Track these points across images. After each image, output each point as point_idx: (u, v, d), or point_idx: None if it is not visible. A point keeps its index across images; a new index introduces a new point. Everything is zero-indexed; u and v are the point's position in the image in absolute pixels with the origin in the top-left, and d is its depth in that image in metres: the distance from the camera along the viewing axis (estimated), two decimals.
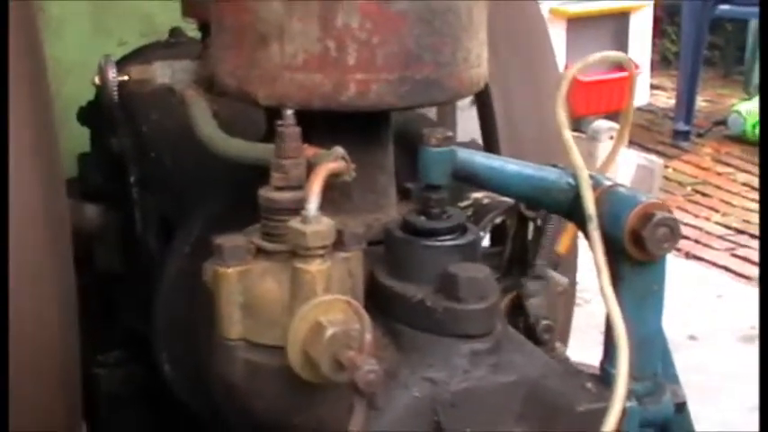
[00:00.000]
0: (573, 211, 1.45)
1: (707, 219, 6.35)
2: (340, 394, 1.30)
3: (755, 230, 6.13)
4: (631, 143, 7.24)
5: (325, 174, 1.33)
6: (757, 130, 7.23)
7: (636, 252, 1.38)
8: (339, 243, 1.34)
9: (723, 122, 7.64)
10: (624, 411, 1.37)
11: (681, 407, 1.56)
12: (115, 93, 1.71)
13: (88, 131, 2.24)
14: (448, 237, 1.44)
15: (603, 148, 6.30)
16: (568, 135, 1.45)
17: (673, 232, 1.37)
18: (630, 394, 1.40)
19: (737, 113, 7.46)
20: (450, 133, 1.45)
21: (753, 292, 5.33)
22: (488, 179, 1.47)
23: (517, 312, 1.67)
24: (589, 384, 1.46)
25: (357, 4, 1.43)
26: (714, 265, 5.70)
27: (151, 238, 2.03)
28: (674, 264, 5.85)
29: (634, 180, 6.35)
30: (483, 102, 2.03)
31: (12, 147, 1.59)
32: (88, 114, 2.22)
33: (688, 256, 5.85)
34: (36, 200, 1.63)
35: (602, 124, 6.38)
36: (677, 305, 5.10)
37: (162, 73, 1.68)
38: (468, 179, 1.47)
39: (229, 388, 1.38)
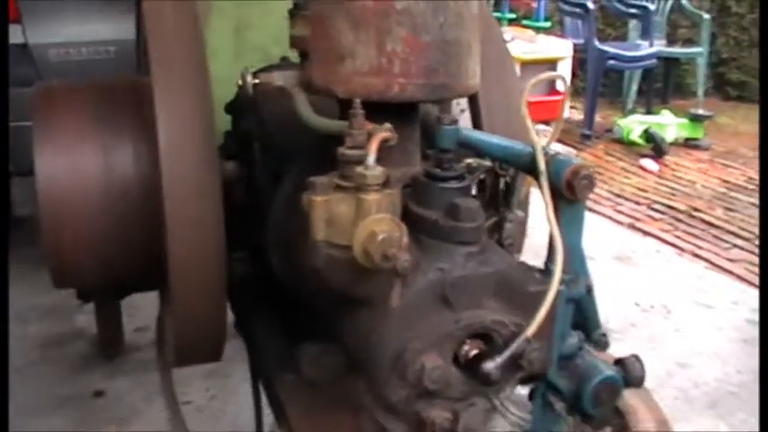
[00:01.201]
0: (531, 168, 1.42)
1: (599, 188, 6.29)
2: (386, 277, 1.29)
3: (628, 195, 6.10)
4: (557, 140, 7.21)
5: (380, 140, 1.31)
6: (630, 136, 7.17)
7: (569, 194, 1.36)
8: (386, 184, 1.31)
9: (610, 130, 7.60)
10: (558, 292, 1.35)
11: (589, 290, 1.53)
12: (250, 91, 1.70)
13: (230, 118, 2.20)
14: (454, 182, 1.42)
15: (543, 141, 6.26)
16: (529, 123, 1.42)
17: (591, 182, 1.35)
18: (561, 282, 1.38)
19: (618, 125, 7.43)
20: (456, 118, 1.43)
21: (622, 231, 5.32)
22: (479, 147, 1.45)
23: (493, 233, 1.65)
24: (537, 275, 1.44)
25: (400, 37, 1.40)
26: (601, 215, 5.67)
27: (266, 184, 2.01)
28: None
29: None
30: (474, 105, 2.00)
31: (194, 124, 1.64)
32: (230, 107, 2.20)
33: (589, 210, 5.81)
34: (207, 153, 1.65)
35: (540, 127, 6.36)
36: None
37: (278, 78, 1.67)
38: (466, 146, 1.45)
39: (315, 272, 1.36)
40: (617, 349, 3.76)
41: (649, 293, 4.26)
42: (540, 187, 1.39)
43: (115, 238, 1.95)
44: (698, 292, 4.28)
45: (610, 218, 5.62)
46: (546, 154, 1.41)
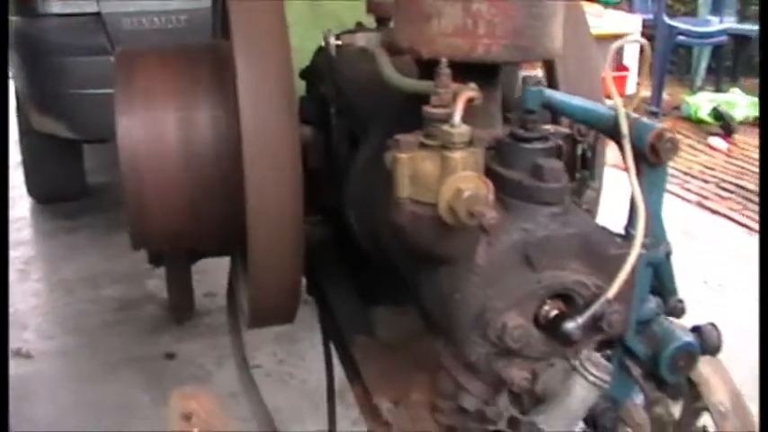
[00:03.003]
0: (614, 132, 1.40)
1: None
2: (470, 235, 1.30)
3: (695, 173, 6.00)
4: None
5: (465, 99, 1.31)
6: (699, 114, 7.03)
7: (653, 158, 1.35)
8: (471, 143, 1.31)
9: (678, 108, 7.45)
10: (639, 255, 1.34)
11: (668, 255, 1.51)
12: (333, 53, 1.71)
13: (304, 84, 2.23)
14: (538, 143, 1.41)
15: None
16: (612, 86, 1.40)
17: (674, 146, 1.34)
18: (642, 245, 1.37)
19: (686, 103, 7.28)
20: (540, 78, 1.43)
21: (690, 208, 5.23)
22: (563, 109, 1.44)
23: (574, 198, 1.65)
24: (618, 239, 1.42)
25: None
26: (668, 192, 5.55)
27: (343, 148, 2.03)
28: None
29: None
30: (551, 73, 1.97)
31: (276, 87, 1.69)
32: (305, 73, 2.22)
33: None
34: (288, 117, 1.71)
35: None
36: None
37: (361, 38, 1.68)
38: (550, 108, 1.44)
39: (399, 230, 1.38)
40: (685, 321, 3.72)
41: (717, 271, 4.19)
42: (623, 150, 1.38)
43: (195, 201, 2.00)
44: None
45: (677, 195, 5.53)
46: (628, 117, 1.40)
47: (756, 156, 6.33)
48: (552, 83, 1.96)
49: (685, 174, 5.99)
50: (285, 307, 1.99)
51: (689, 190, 5.63)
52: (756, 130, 6.92)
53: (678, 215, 5.06)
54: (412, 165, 1.32)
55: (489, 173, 1.39)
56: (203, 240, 2.32)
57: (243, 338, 2.63)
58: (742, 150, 6.53)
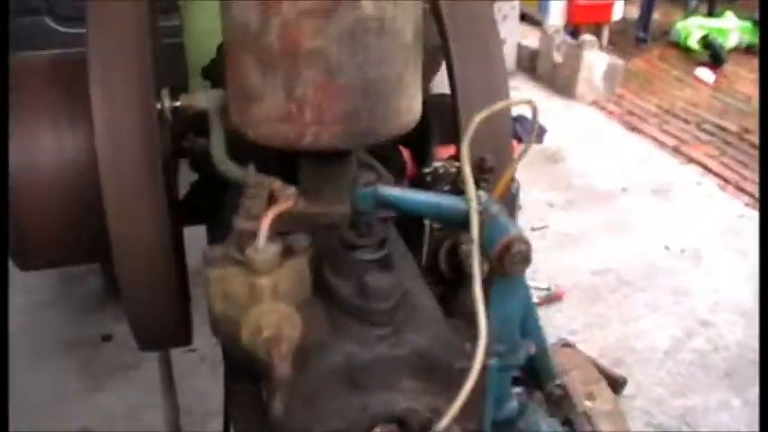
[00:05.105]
0: (465, 227, 1.24)
1: (648, 102, 5.94)
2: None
3: (678, 110, 5.77)
4: (609, 44, 6.85)
5: (274, 215, 1.15)
6: (688, 42, 6.74)
7: (500, 268, 1.19)
8: (290, 253, 1.16)
9: (667, 32, 7.14)
10: (485, 367, 1.21)
11: (540, 348, 1.38)
12: (168, 117, 1.49)
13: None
14: (368, 251, 1.25)
15: (586, 54, 5.95)
16: (471, 182, 1.23)
17: (524, 259, 1.18)
18: (493, 354, 1.24)
19: (676, 28, 6.96)
20: (373, 177, 1.26)
21: (668, 157, 5.04)
22: (404, 206, 1.26)
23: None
24: (468, 345, 1.28)
25: (310, 80, 1.21)
26: (645, 135, 5.38)
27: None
28: (620, 135, 5.48)
29: (606, 72, 6.00)
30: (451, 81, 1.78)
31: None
32: (207, 72, 2.09)
33: (632, 129, 5.51)
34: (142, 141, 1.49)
35: (586, 37, 6.04)
36: (617, 166, 4.86)
37: (201, 99, 1.48)
38: (388, 206, 1.26)
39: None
40: (641, 299, 3.61)
41: (682, 235, 4.03)
42: (471, 254, 1.22)
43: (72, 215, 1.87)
44: (734, 236, 4.03)
45: (654, 139, 5.32)
46: (483, 213, 1.23)
47: (743, 90, 6.07)
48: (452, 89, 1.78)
49: (666, 111, 5.76)
50: (170, 333, 1.87)
51: (667, 132, 5.41)
52: (748, 59, 6.62)
53: (651, 166, 4.88)
54: (221, 283, 1.18)
55: (319, 281, 1.24)
56: (86, 254, 2.20)
57: None
58: (730, 83, 6.26)
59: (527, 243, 1.19)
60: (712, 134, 5.37)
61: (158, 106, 1.44)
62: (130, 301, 1.67)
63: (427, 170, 1.66)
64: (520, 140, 5.32)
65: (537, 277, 3.71)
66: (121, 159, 1.50)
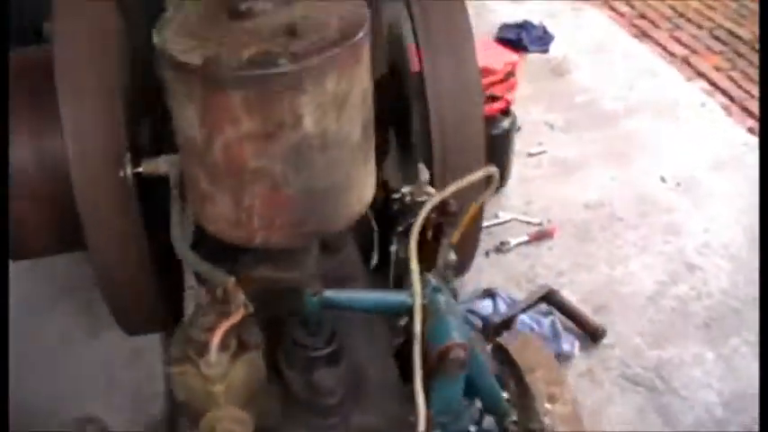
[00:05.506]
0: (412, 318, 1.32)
1: (660, 5, 5.77)
2: None
3: (691, 15, 5.62)
4: None
5: (224, 330, 1.23)
6: None
7: (439, 367, 1.28)
8: (244, 348, 1.26)
9: None
10: None
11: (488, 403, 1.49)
12: (129, 182, 1.51)
13: None
14: (317, 350, 1.34)
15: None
16: (415, 266, 1.30)
17: (461, 366, 1.27)
18: (436, 426, 1.35)
19: None
20: (318, 289, 1.32)
21: (675, 73, 4.95)
22: (350, 306, 1.34)
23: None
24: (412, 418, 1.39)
25: (257, 193, 1.26)
26: (655, 43, 5.27)
27: None
28: (629, 44, 5.23)
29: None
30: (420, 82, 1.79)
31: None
32: None
33: (642, 35, 5.39)
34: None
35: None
36: (623, 82, 4.79)
37: (163, 165, 1.51)
38: (336, 307, 1.33)
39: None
40: (631, 238, 3.65)
41: (679, 166, 4.04)
42: (413, 350, 1.30)
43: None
44: (735, 168, 4.02)
45: (664, 48, 5.21)
46: (432, 305, 1.31)
47: None
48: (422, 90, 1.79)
49: (680, 15, 5.60)
50: (153, 320, 1.94)
51: (678, 40, 5.29)
52: None
53: (657, 81, 4.81)
54: (182, 378, 1.28)
55: (274, 371, 1.34)
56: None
57: None
58: None
59: (465, 349, 1.27)
60: (725, 43, 5.24)
61: (120, 174, 1.47)
62: (105, 289, 1.72)
63: (396, 196, 1.71)
64: (525, 49, 5.26)
65: (530, 210, 3.78)
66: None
